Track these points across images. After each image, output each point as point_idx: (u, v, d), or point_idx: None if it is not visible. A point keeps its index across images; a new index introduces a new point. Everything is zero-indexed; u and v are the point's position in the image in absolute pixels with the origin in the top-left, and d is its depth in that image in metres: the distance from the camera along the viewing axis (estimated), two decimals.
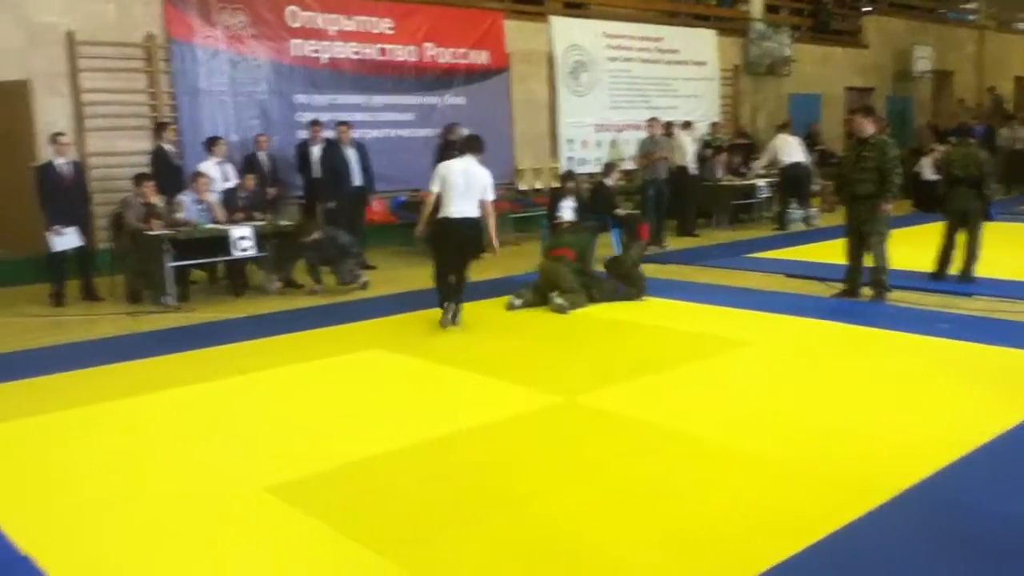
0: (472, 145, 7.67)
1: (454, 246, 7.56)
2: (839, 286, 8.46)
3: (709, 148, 14.59)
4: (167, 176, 9.48)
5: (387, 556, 3.48)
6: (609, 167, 11.35)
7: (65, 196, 8.70)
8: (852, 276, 8.29)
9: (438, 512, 3.92)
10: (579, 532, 3.68)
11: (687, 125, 13.80)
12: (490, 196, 7.52)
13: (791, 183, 13.85)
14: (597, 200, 10.83)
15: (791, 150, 13.86)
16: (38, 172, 8.80)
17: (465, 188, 7.39)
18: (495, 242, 7.71)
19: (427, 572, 3.38)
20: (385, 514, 3.91)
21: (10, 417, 5.33)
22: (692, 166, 13.24)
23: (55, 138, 8.81)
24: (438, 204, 7.53)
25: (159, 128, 9.96)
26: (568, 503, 3.98)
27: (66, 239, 8.64)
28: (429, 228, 7.66)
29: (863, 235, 8.06)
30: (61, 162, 8.76)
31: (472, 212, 7.44)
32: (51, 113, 10.01)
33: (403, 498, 4.08)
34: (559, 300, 8.03)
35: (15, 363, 6.64)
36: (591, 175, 13.44)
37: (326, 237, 9.07)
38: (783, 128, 14.49)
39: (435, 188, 7.50)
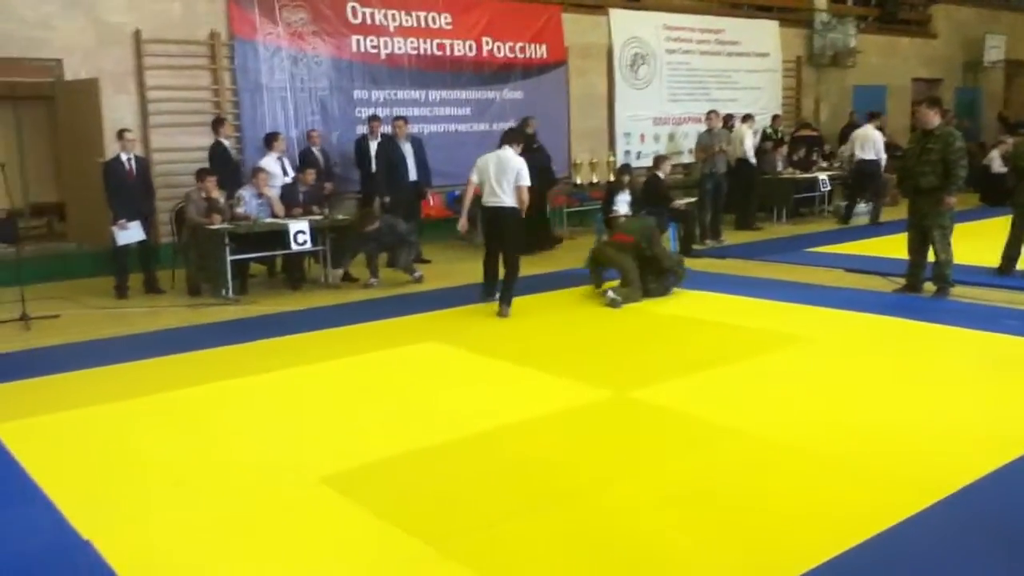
0: (509, 136, 8.01)
1: (491, 233, 7.99)
2: (901, 281, 8.28)
3: (769, 141, 14.38)
4: (225, 170, 9.62)
5: (437, 547, 3.51)
6: (659, 159, 11.19)
7: (130, 191, 8.91)
8: (914, 271, 8.12)
9: (488, 504, 3.94)
10: (629, 526, 3.67)
11: (747, 118, 13.61)
12: (523, 182, 7.73)
13: (862, 179, 13.54)
14: (650, 193, 10.73)
15: (868, 145, 13.43)
16: (105, 167, 9.02)
17: (497, 176, 7.71)
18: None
19: (477, 564, 3.39)
20: (436, 505, 3.94)
21: (74, 406, 5.47)
22: (751, 158, 13.07)
23: (121, 134, 9.00)
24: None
25: (217, 123, 10.13)
26: (619, 497, 3.97)
27: (130, 233, 8.85)
28: (470, 220, 8.11)
29: (926, 229, 7.88)
30: (126, 158, 8.96)
31: (504, 200, 7.75)
32: (118, 110, 10.24)
33: (454, 490, 4.11)
34: (612, 294, 8.00)
35: (81, 353, 6.81)
36: (648, 169, 13.35)
37: (385, 225, 9.20)
38: (871, 119, 13.96)
39: (474, 179, 7.95)
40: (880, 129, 15.93)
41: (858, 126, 16.16)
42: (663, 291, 8.31)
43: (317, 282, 9.53)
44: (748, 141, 13.06)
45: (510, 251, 7.94)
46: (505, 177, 7.71)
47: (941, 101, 8.45)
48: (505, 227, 7.85)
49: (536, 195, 11.31)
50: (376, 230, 9.15)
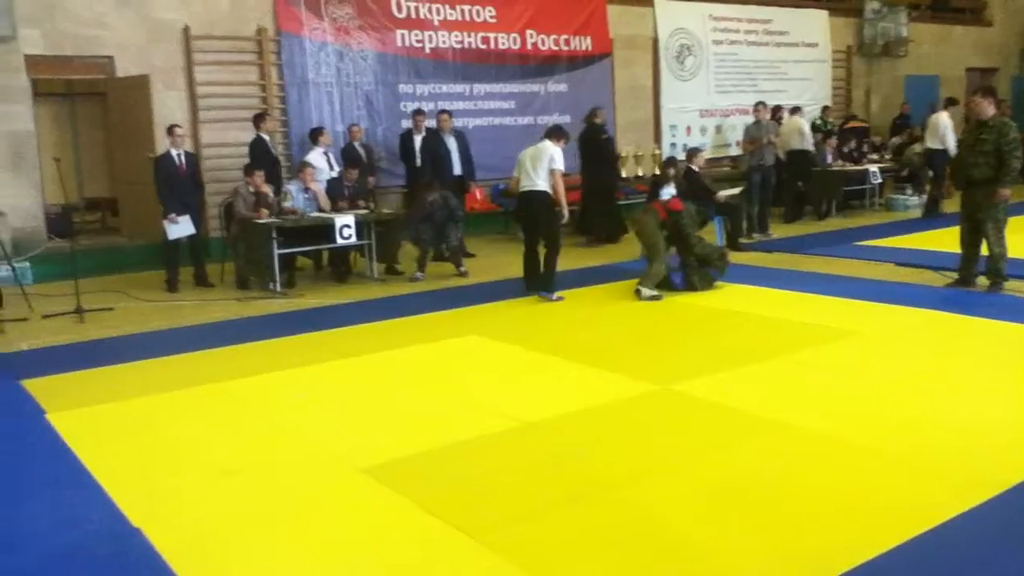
0: (551, 132, 8.27)
1: (526, 218, 8.40)
2: (953, 275, 8.13)
3: (819, 132, 14.19)
4: (265, 166, 9.61)
5: (478, 539, 3.53)
6: (691, 153, 10.94)
7: (180, 186, 9.04)
8: (967, 265, 7.96)
9: (529, 496, 3.95)
10: (672, 520, 3.66)
11: (796, 110, 13.47)
12: (556, 166, 8.02)
13: (929, 168, 13.23)
14: (691, 186, 10.60)
15: (936, 133, 12.88)
16: (156, 163, 9.17)
17: (531, 165, 8.07)
18: (564, 210, 8.25)
19: (515, 555, 3.40)
20: (476, 497, 3.96)
21: (126, 396, 5.59)
22: (811, 147, 12.98)
23: (171, 130, 9.14)
24: None
25: (258, 119, 10.18)
26: (661, 491, 3.95)
27: (180, 227, 8.98)
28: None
29: (979, 222, 7.72)
30: (176, 153, 9.10)
31: (536, 185, 8.08)
32: (168, 106, 10.43)
33: (495, 482, 4.12)
34: (646, 292, 7.98)
35: (133, 345, 6.95)
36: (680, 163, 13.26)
37: (440, 197, 9.35)
38: (947, 105, 13.44)
39: (515, 172, 8.35)
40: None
41: (908, 117, 15.86)
42: (707, 285, 8.25)
43: (363, 275, 9.60)
44: (807, 129, 12.91)
45: (545, 233, 8.19)
46: (540, 163, 8.02)
47: (995, 91, 8.26)
48: (537, 210, 8.15)
49: (607, 186, 11.40)
50: (433, 202, 9.26)
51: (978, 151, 7.63)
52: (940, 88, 18.67)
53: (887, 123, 17.12)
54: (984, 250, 7.80)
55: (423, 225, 9.29)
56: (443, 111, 11.10)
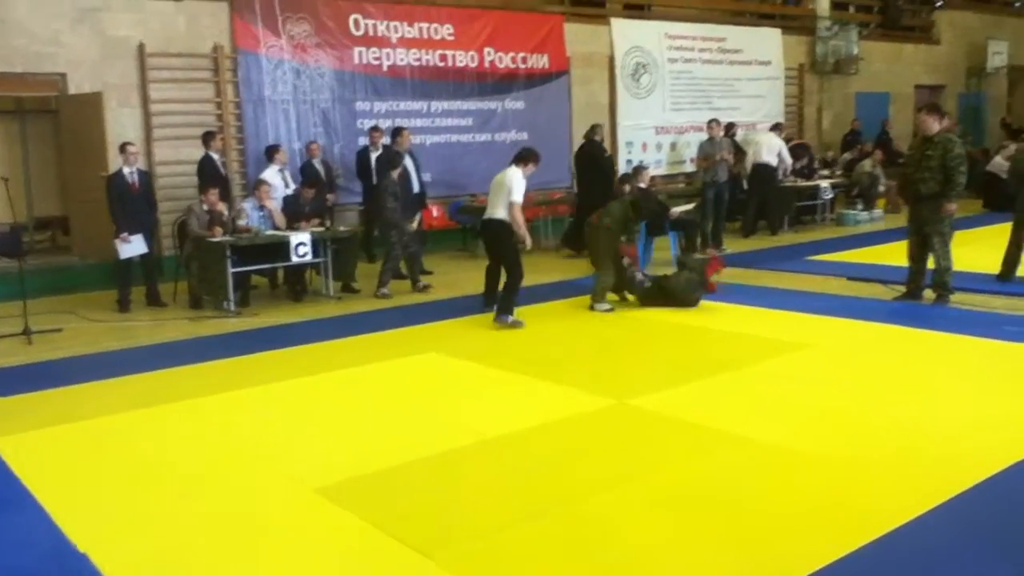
0: (518, 158, 8.17)
1: (486, 243, 8.45)
2: (901, 288, 8.28)
3: None
4: (214, 185, 9.42)
5: (429, 556, 3.52)
6: (636, 170, 10.97)
7: (132, 204, 8.91)
8: (914, 278, 8.11)
9: (485, 513, 3.96)
10: (627, 534, 3.68)
11: (777, 127, 13.84)
12: (513, 198, 7.85)
13: None
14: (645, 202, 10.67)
15: None
16: (108, 181, 9.05)
17: (495, 191, 8.10)
18: (527, 240, 8.21)
19: (469, 572, 3.41)
20: (432, 515, 3.96)
21: (74, 419, 5.50)
22: (789, 165, 13.43)
23: (124, 147, 9.03)
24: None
25: (207, 137, 10.08)
26: (616, 505, 3.98)
27: (132, 246, 8.86)
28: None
29: (926, 236, 7.88)
30: (129, 171, 8.99)
31: (495, 214, 8.02)
32: (122, 123, 10.31)
33: (451, 499, 4.13)
34: (599, 307, 8.17)
35: (82, 366, 6.84)
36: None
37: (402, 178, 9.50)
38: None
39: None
40: (886, 132, 15.86)
41: (859, 133, 16.18)
42: (641, 293, 8.34)
43: (319, 294, 9.55)
44: (786, 153, 13.23)
45: (505, 261, 8.08)
46: (500, 194, 7.97)
47: (940, 107, 8.45)
48: (495, 238, 8.13)
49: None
50: (400, 175, 9.38)
51: (924, 166, 7.78)
52: (891, 105, 19.07)
53: (838, 139, 17.42)
54: (931, 263, 7.95)
55: (392, 215, 9.26)
56: (399, 128, 11.09)
